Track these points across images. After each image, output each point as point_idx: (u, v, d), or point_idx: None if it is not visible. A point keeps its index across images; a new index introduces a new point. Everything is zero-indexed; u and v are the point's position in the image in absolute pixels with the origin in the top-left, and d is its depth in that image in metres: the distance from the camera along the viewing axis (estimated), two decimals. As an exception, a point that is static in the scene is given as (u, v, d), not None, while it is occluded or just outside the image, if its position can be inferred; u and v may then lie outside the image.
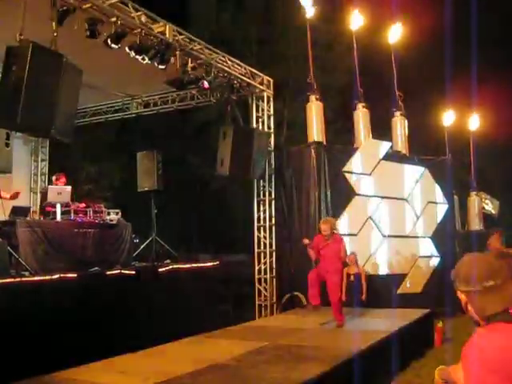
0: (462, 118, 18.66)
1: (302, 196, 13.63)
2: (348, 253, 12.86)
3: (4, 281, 7.42)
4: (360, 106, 14.81)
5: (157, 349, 8.12)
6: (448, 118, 17.73)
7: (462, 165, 18.88)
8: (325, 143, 13.73)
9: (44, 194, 11.29)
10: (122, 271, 9.66)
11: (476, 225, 18.71)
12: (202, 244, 22.23)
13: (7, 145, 8.98)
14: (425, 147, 17.06)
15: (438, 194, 15.71)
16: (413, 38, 17.46)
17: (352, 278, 12.26)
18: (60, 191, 10.45)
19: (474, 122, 18.89)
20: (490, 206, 20.30)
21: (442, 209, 15.73)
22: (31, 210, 11.31)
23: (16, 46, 7.43)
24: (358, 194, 13.77)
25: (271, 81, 14.28)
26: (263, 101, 14.04)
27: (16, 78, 7.19)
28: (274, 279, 13.80)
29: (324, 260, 9.72)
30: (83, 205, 11.00)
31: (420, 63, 23.57)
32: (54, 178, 11.56)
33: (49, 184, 11.70)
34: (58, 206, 10.19)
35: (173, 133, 24.02)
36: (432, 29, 20.88)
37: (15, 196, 10.05)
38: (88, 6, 8.94)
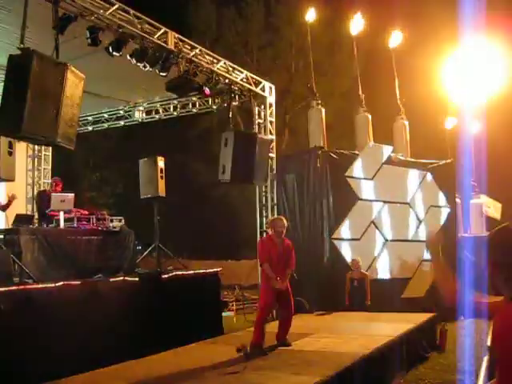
0: (464, 122, 18.66)
1: (303, 201, 13.64)
2: (350, 258, 12.90)
3: (8, 288, 7.44)
4: (361, 110, 14.85)
5: (161, 355, 8.14)
6: (450, 121, 17.75)
7: (463, 168, 18.88)
8: (326, 148, 13.75)
9: (41, 198, 11.40)
10: (126, 278, 9.66)
11: (478, 228, 18.70)
12: (205, 250, 22.26)
13: (10, 153, 8.99)
14: (427, 151, 17.07)
15: (441, 197, 15.72)
16: (414, 42, 17.53)
17: (356, 282, 12.27)
18: (63, 199, 10.47)
19: (476, 126, 18.89)
20: (493, 210, 20.28)
21: (444, 213, 15.74)
22: (34, 218, 11.32)
23: (18, 54, 7.46)
24: (361, 199, 13.79)
25: (273, 87, 14.32)
26: (265, 107, 14.08)
27: (18, 87, 7.22)
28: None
29: (277, 267, 8.50)
30: (86, 212, 11.03)
31: (422, 67, 23.61)
32: (53, 183, 11.64)
33: (47, 189, 11.75)
34: (61, 214, 10.22)
35: (175, 139, 24.08)
36: (433, 32, 20.95)
37: (12, 199, 10.14)
38: (89, 14, 9.00)
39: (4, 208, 10.36)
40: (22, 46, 7.55)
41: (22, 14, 7.75)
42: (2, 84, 7.56)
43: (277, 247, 8.67)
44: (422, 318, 10.79)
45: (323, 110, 13.96)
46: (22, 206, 14.31)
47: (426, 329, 10.56)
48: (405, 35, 16.18)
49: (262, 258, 8.59)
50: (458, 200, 17.29)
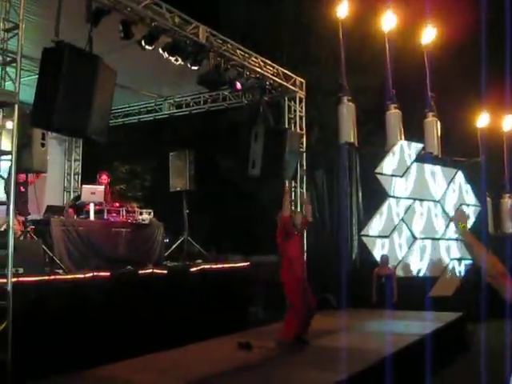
0: (496, 119, 18.43)
1: (333, 197, 13.63)
2: (379, 255, 12.83)
3: (39, 278, 7.53)
4: (392, 107, 14.76)
5: (188, 348, 8.18)
6: (482, 118, 17.55)
7: (495, 166, 18.65)
8: (356, 144, 13.71)
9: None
10: (154, 270, 9.73)
11: (509, 227, 18.47)
12: (233, 244, 22.26)
13: (43, 145, 9.08)
14: (458, 148, 16.90)
15: (471, 195, 15.58)
16: (446, 38, 17.33)
17: (383, 279, 12.20)
18: (93, 191, 10.58)
19: (509, 123, 18.63)
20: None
21: (474, 211, 15.60)
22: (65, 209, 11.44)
23: (52, 47, 7.53)
24: (390, 196, 13.71)
25: (303, 82, 14.25)
26: (295, 102, 14.03)
27: (52, 80, 7.28)
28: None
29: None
30: (117, 204, 11.13)
31: (453, 63, 23.34)
32: (98, 176, 11.82)
33: (93, 182, 11.89)
34: (92, 206, 10.33)
35: (205, 133, 24.09)
36: (466, 29, 20.67)
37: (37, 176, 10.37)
38: (122, 7, 9.04)
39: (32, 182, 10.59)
40: (56, 39, 7.61)
41: (56, 7, 7.84)
42: (37, 77, 7.64)
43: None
44: (450, 317, 10.71)
45: (354, 106, 13.90)
46: (57, 197, 14.49)
47: (453, 328, 10.48)
48: (438, 31, 16.05)
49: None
50: (488, 198, 17.11)
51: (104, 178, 11.75)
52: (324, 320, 10.97)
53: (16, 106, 7.11)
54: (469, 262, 14.91)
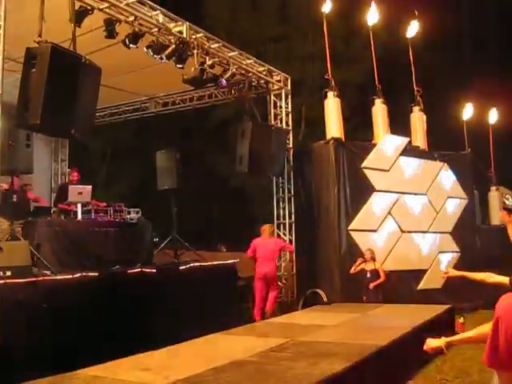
0: (482, 112, 18.49)
1: (320, 193, 13.64)
2: (365, 248, 12.84)
3: (26, 280, 7.50)
4: (378, 101, 14.78)
5: (179, 346, 8.16)
6: (467, 111, 17.60)
7: (481, 159, 18.73)
8: (343, 139, 13.72)
9: (60, 190, 11.52)
10: (143, 269, 9.71)
11: (496, 220, 18.53)
12: (223, 241, 22.28)
13: (28, 145, 9.04)
14: (444, 142, 16.96)
15: (458, 188, 15.63)
16: (431, 32, 17.38)
17: (369, 274, 12.21)
18: (81, 191, 10.53)
19: (494, 116, 18.70)
20: (511, 201, 20.08)
21: (461, 204, 15.65)
22: (52, 209, 11.40)
23: (35, 47, 7.50)
24: (377, 190, 13.73)
25: (289, 78, 14.27)
26: (281, 98, 14.05)
27: (36, 80, 7.25)
28: (295, 276, 13.80)
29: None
30: (104, 204, 11.08)
31: (439, 57, 23.42)
32: (69, 173, 11.82)
33: (67, 180, 11.88)
34: (79, 206, 10.28)
35: (192, 131, 24.10)
36: (451, 22, 20.77)
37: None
38: (106, 6, 9.01)
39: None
40: (38, 39, 7.57)
41: (39, 6, 7.80)
42: (20, 77, 7.59)
43: None
44: (439, 309, 10.74)
45: (340, 101, 13.91)
46: (45, 199, 14.42)
47: (443, 321, 10.52)
48: (422, 24, 16.09)
49: None
50: (475, 191, 17.16)
51: (75, 174, 11.72)
52: (314, 314, 10.99)
53: (-1, 107, 7.08)
54: (456, 254, 15.00)
